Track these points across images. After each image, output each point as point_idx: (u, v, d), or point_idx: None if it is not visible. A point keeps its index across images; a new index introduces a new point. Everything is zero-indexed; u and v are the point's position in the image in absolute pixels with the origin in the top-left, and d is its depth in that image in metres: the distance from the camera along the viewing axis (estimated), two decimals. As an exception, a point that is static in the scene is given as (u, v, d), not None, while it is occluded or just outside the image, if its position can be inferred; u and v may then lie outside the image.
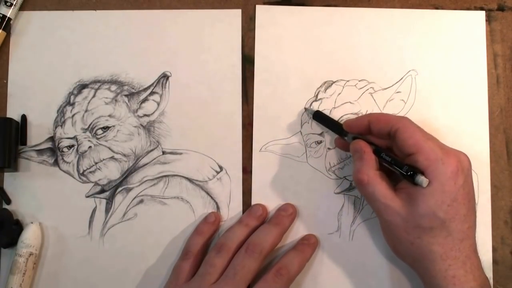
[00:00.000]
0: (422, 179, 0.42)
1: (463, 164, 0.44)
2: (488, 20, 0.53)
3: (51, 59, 0.53)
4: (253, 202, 0.51)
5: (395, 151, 0.46)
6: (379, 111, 0.52)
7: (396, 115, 0.49)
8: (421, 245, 0.43)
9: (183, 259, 0.48)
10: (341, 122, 0.50)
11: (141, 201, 0.51)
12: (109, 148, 0.52)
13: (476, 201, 0.51)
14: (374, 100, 0.52)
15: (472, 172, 0.51)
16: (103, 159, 0.52)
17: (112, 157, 0.52)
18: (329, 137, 0.52)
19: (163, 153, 0.52)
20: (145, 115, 0.52)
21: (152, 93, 0.53)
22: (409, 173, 0.43)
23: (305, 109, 0.52)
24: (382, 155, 0.46)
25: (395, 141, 0.45)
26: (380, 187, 0.44)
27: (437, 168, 0.43)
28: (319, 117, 0.51)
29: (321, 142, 0.52)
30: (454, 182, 0.42)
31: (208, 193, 0.51)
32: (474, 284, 0.42)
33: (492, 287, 0.50)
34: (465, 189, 0.43)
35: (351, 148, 0.48)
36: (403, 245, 0.44)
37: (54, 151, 0.52)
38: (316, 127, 0.52)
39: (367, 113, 0.51)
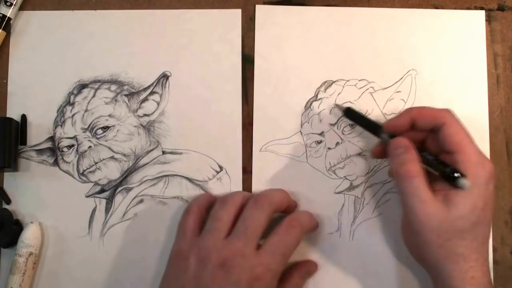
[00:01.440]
0: (465, 182, 0.42)
1: (492, 170, 0.44)
2: (488, 20, 0.53)
3: (51, 59, 0.53)
4: (253, 202, 0.51)
5: (429, 147, 0.46)
6: (379, 111, 0.52)
7: (439, 109, 0.46)
8: (449, 247, 0.43)
9: (187, 214, 0.47)
10: (377, 122, 0.48)
11: (141, 201, 0.51)
12: (109, 148, 0.52)
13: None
14: (374, 99, 0.52)
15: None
16: (103, 159, 0.52)
17: (112, 157, 0.52)
18: (329, 137, 0.52)
19: (163, 153, 0.52)
20: (145, 115, 0.52)
21: (152, 93, 0.53)
22: (453, 175, 0.42)
23: (336, 105, 0.51)
24: (424, 154, 0.45)
25: (437, 135, 0.44)
26: (424, 184, 0.43)
27: (478, 172, 0.42)
28: (352, 114, 0.49)
29: (321, 142, 0.52)
30: (488, 187, 0.43)
31: (211, 194, 0.51)
32: (489, 286, 0.43)
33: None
34: (492, 194, 0.44)
35: (392, 144, 0.45)
36: (429, 248, 0.43)
37: (54, 151, 0.52)
38: (316, 127, 0.52)
39: (405, 109, 0.48)
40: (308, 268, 0.50)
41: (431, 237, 0.43)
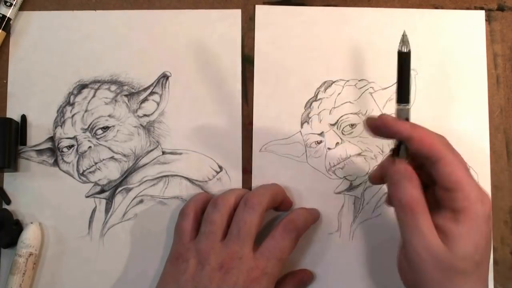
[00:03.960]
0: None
1: (491, 205, 0.42)
2: (488, 20, 0.53)
3: (51, 59, 0.53)
4: (253, 202, 0.51)
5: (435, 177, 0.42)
6: (379, 111, 0.52)
7: (439, 139, 0.42)
8: (449, 286, 0.40)
9: (182, 217, 0.47)
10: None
11: (141, 201, 0.51)
12: (109, 148, 0.52)
13: (476, 201, 0.51)
14: (374, 99, 0.52)
15: (472, 171, 0.51)
16: (103, 159, 0.52)
17: (112, 157, 0.52)
18: (329, 137, 0.52)
19: (163, 153, 0.52)
20: (145, 115, 0.52)
21: (152, 93, 0.53)
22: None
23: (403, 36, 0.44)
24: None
25: (433, 170, 0.41)
26: (429, 220, 0.40)
27: (477, 210, 0.40)
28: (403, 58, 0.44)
29: (321, 142, 0.52)
30: (488, 224, 0.41)
31: (208, 193, 0.51)
32: None
33: (493, 287, 0.50)
34: (492, 230, 0.42)
35: (394, 171, 0.42)
36: (426, 286, 0.41)
37: (54, 151, 0.52)
38: (316, 127, 0.52)
39: (412, 124, 0.43)
40: (303, 278, 0.50)
41: (432, 276, 0.40)
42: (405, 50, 0.43)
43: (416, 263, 0.41)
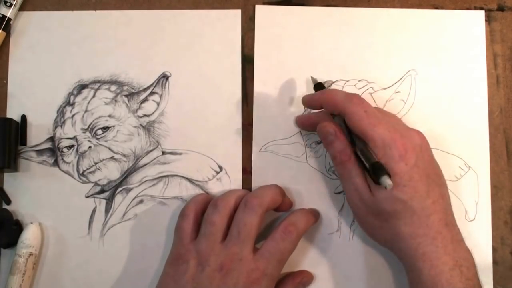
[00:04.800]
0: (386, 181, 0.41)
1: (413, 143, 0.44)
2: (488, 20, 0.53)
3: (51, 59, 0.53)
4: (253, 202, 0.51)
5: None
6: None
7: (345, 96, 0.45)
8: (389, 228, 0.44)
9: (183, 219, 0.48)
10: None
11: (141, 201, 0.51)
12: (109, 148, 0.52)
13: (476, 201, 0.51)
14: (374, 100, 0.52)
15: (472, 172, 0.51)
16: (103, 159, 0.52)
17: (112, 157, 0.52)
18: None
19: (163, 153, 0.52)
20: (145, 115, 0.52)
21: (152, 93, 0.53)
22: (373, 171, 0.42)
23: (311, 77, 0.52)
24: (358, 142, 0.45)
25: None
26: (356, 167, 0.45)
27: (386, 154, 0.43)
28: (319, 89, 0.50)
29: (321, 142, 0.52)
30: (405, 163, 0.43)
31: (208, 194, 0.51)
32: (446, 258, 0.42)
33: (492, 287, 0.50)
34: (419, 166, 0.43)
35: (320, 130, 0.47)
36: (374, 230, 0.46)
37: (54, 151, 0.52)
38: (316, 127, 0.52)
39: (323, 90, 0.49)
40: (303, 279, 0.50)
41: (368, 219, 0.45)
42: (317, 81, 0.50)
43: (354, 210, 0.47)
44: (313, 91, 0.51)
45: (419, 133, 0.45)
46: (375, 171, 0.42)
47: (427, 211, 0.43)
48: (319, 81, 0.51)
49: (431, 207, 0.43)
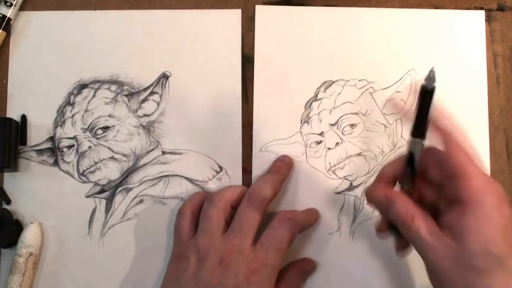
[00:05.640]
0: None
1: (503, 192, 0.39)
2: (488, 20, 0.53)
3: (51, 59, 0.53)
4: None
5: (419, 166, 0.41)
6: (379, 111, 0.52)
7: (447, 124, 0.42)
8: (476, 286, 0.37)
9: (180, 219, 0.48)
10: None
11: (141, 201, 0.51)
12: (109, 148, 0.52)
13: (477, 201, 0.51)
14: (374, 99, 0.52)
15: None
16: (103, 159, 0.52)
17: (112, 157, 0.52)
18: (329, 137, 0.52)
19: (163, 153, 0.52)
20: (145, 115, 0.52)
21: (152, 93, 0.53)
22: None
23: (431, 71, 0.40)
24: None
25: (439, 161, 0.41)
26: (424, 223, 0.39)
27: (483, 198, 0.37)
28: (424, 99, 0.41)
29: (321, 142, 0.52)
30: (501, 213, 0.37)
31: (204, 191, 0.51)
32: None
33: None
34: (511, 219, 0.38)
35: (375, 196, 0.43)
36: None
37: (54, 151, 0.52)
38: (316, 127, 0.52)
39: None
40: (306, 266, 0.50)
41: (451, 278, 0.38)
42: (429, 88, 0.39)
43: (432, 270, 0.39)
44: (310, 94, 0.50)
45: (499, 185, 0.40)
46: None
47: None
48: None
49: None
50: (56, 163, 0.52)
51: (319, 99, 0.52)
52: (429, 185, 0.43)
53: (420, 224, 0.39)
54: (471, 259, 0.37)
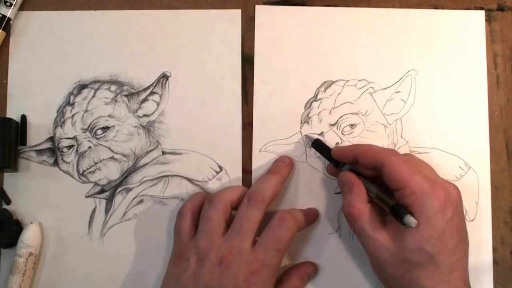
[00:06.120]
0: (410, 220, 0.41)
1: (451, 196, 0.43)
2: (488, 20, 0.53)
3: (51, 59, 0.53)
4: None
5: (385, 182, 0.45)
6: (378, 111, 0.52)
7: (384, 148, 0.48)
8: (410, 279, 0.43)
9: (180, 219, 0.48)
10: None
11: (141, 201, 0.51)
12: (109, 148, 0.52)
13: (476, 201, 0.51)
14: (374, 99, 0.52)
15: (472, 172, 0.51)
16: (103, 159, 0.52)
17: (112, 157, 0.52)
18: (329, 137, 0.52)
19: (163, 153, 0.52)
20: (145, 115, 0.52)
21: (152, 93, 0.53)
22: (395, 212, 0.42)
23: (306, 136, 0.52)
24: (369, 194, 0.46)
25: (382, 175, 0.45)
26: (370, 222, 0.44)
27: (424, 203, 0.42)
28: (318, 146, 0.51)
29: (321, 142, 0.52)
30: (442, 216, 0.42)
31: (204, 191, 0.51)
32: None
33: (492, 287, 0.50)
34: (453, 221, 0.43)
35: (339, 180, 0.48)
36: (393, 280, 0.44)
37: (53, 151, 0.52)
38: (316, 127, 0.52)
39: (355, 144, 0.51)
40: (307, 270, 0.50)
41: (389, 269, 0.44)
42: (314, 138, 0.52)
43: (376, 263, 0.45)
44: (310, 94, 0.50)
45: (455, 187, 0.45)
46: (397, 212, 0.42)
47: (451, 267, 0.43)
48: (316, 137, 0.51)
49: (455, 264, 0.43)
50: (56, 163, 0.52)
51: (319, 99, 0.52)
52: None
53: (365, 219, 0.44)
54: (407, 254, 0.42)
